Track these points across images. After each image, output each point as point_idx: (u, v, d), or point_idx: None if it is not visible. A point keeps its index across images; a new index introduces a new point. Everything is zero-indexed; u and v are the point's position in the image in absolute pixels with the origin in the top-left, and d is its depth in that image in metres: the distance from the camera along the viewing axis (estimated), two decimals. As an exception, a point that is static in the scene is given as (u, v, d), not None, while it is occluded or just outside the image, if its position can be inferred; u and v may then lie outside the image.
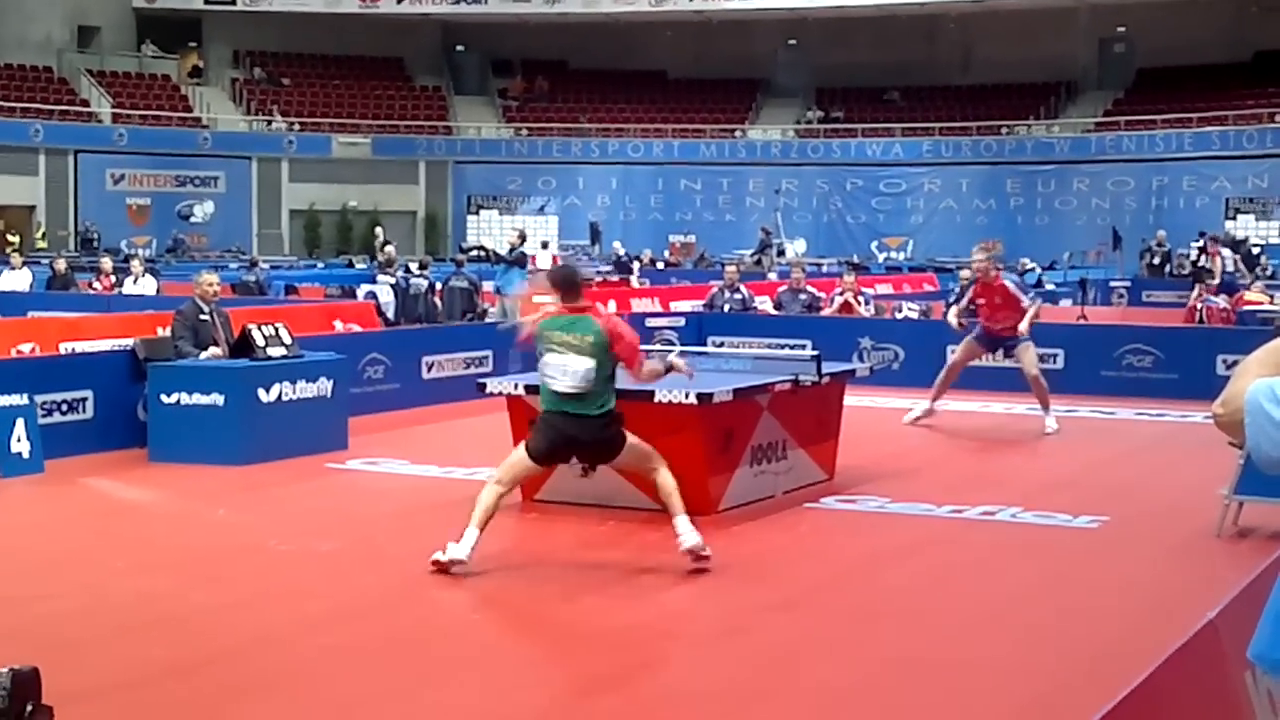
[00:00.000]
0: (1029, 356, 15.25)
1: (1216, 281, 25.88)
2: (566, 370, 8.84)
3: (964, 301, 15.81)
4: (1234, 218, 43.95)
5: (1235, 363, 12.96)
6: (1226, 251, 31.73)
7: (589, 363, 8.82)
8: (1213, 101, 44.67)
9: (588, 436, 8.99)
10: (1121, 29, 48.54)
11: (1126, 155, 46.13)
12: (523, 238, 26.61)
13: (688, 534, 8.92)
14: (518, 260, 25.55)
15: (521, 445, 9.20)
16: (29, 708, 3.19)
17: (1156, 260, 35.72)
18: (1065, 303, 29.28)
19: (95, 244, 42.41)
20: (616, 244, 38.28)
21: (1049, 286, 32.14)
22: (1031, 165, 47.58)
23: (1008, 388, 18.08)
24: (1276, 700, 4.74)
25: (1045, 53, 48.09)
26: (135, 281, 25.48)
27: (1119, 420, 16.12)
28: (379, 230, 41.61)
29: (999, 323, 15.28)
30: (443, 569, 8.65)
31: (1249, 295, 24.05)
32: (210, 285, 14.35)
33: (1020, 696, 6.82)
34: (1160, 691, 4.00)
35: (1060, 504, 11.14)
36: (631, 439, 9.10)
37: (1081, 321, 22.48)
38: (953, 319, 15.77)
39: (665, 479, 9.08)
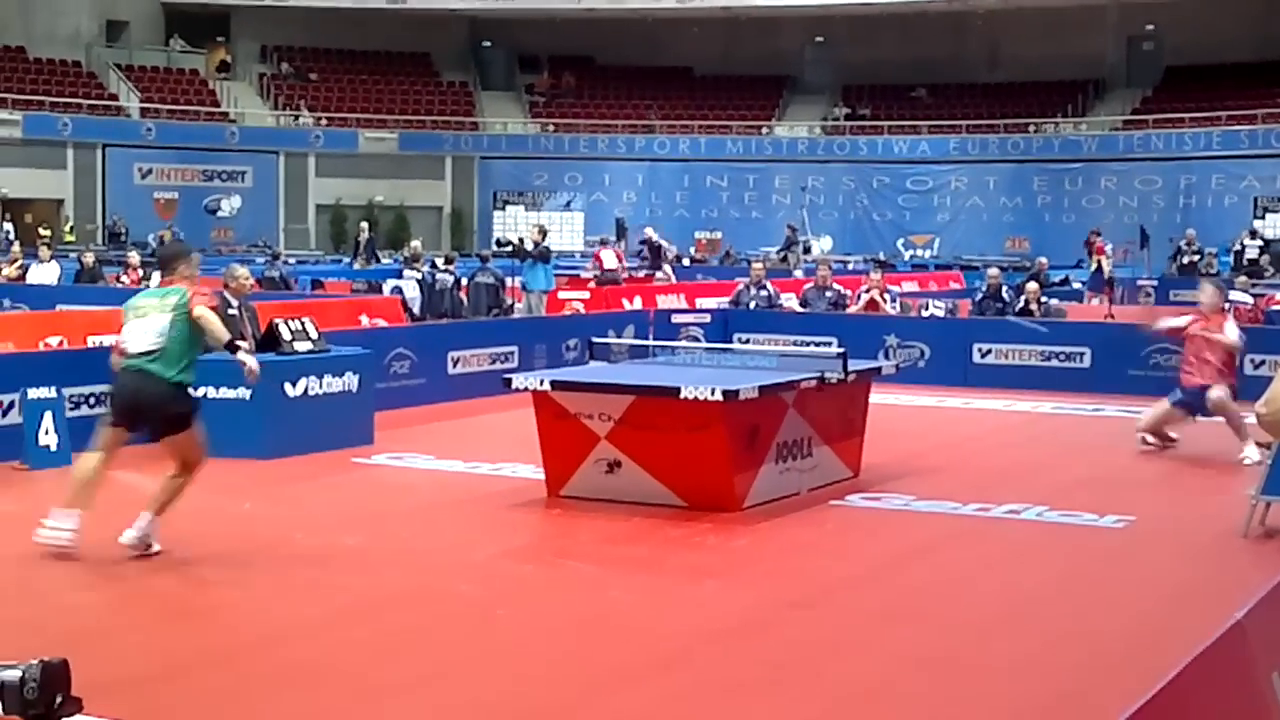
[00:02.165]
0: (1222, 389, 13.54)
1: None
2: (146, 331, 9.09)
3: (1169, 325, 14.35)
4: (1263, 217, 43.75)
5: (1263, 363, 12.91)
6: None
7: (165, 319, 9.08)
8: (1242, 100, 44.47)
9: (154, 398, 9.12)
10: (1150, 27, 48.36)
11: (1154, 154, 45.97)
12: (543, 232, 26.59)
13: (139, 531, 9.05)
14: (542, 255, 25.54)
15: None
16: (59, 699, 3.19)
17: (1187, 260, 35.62)
18: (1093, 301, 29.22)
19: (123, 238, 42.57)
20: (649, 230, 38.14)
21: (1075, 285, 32.12)
22: (1059, 163, 47.45)
23: (1035, 385, 18.09)
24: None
25: (1073, 50, 47.93)
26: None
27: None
28: (364, 225, 41.57)
29: (1203, 371, 13.73)
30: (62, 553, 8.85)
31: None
32: (245, 280, 14.43)
33: (1044, 696, 6.81)
34: (1186, 692, 4.00)
35: (1086, 503, 11.11)
36: (196, 432, 9.34)
37: (1109, 320, 22.40)
38: (1156, 324, 14.68)
39: (174, 485, 9.28)
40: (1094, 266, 33.40)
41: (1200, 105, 45.18)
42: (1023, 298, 21.24)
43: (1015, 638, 7.82)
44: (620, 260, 33.40)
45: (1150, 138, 46.20)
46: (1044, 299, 21.42)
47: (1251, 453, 12.74)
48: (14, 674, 3.18)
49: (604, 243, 34.81)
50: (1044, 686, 6.93)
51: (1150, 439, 14.00)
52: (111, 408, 9.47)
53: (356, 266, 34.62)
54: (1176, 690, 3.93)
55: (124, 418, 9.31)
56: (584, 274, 32.84)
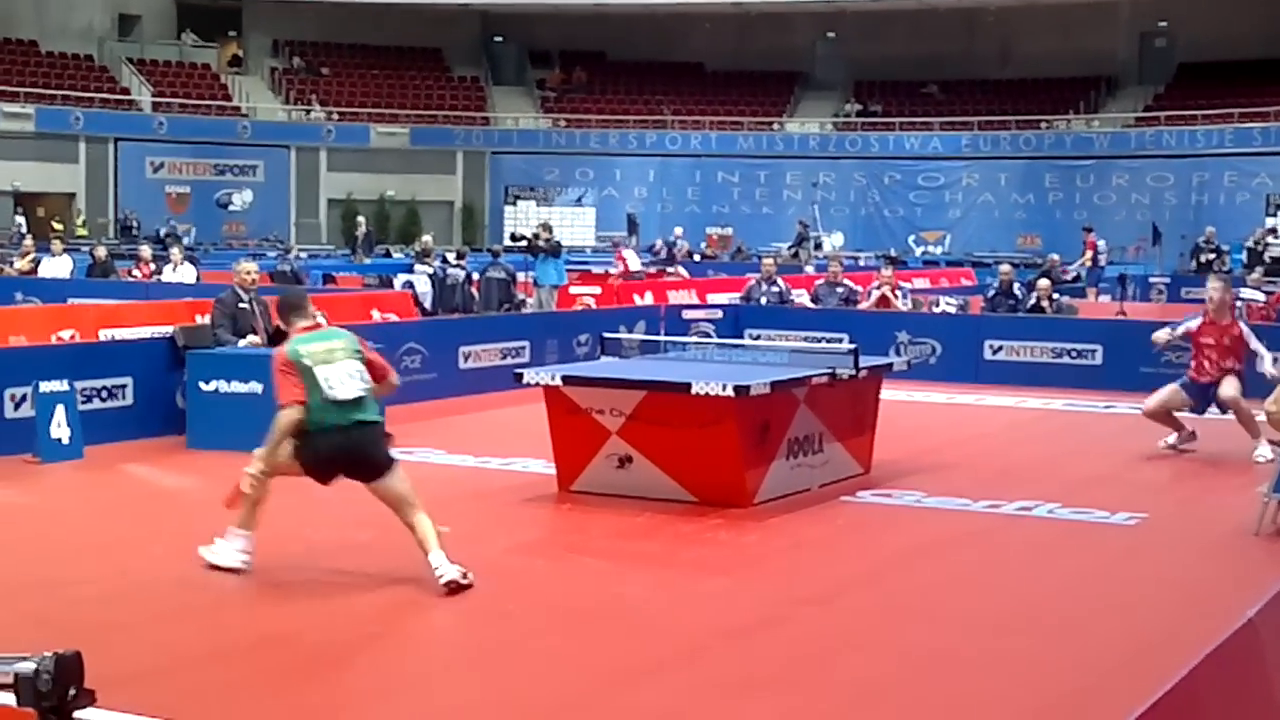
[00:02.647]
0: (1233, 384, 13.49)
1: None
2: (349, 375, 8.48)
3: (1180, 332, 14.00)
4: (1275, 214, 43.63)
5: (1275, 360, 12.79)
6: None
7: (356, 363, 8.56)
8: (1254, 97, 44.34)
9: (375, 446, 8.65)
10: (1163, 23, 48.25)
11: (1167, 151, 45.89)
12: (548, 229, 26.57)
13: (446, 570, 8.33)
14: (553, 250, 25.53)
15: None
16: (72, 691, 3.20)
17: (1205, 258, 35.54)
18: (1104, 298, 29.19)
19: (135, 231, 42.63)
20: (679, 230, 38.31)
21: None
22: (1071, 160, 47.38)
23: (1047, 382, 18.07)
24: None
25: (1085, 46, 47.86)
26: (175, 269, 25.62)
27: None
28: (361, 219, 41.77)
29: (1216, 372, 13.57)
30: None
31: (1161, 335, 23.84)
32: (249, 274, 14.42)
33: (1056, 693, 6.80)
34: (1198, 689, 3.99)
35: (1098, 500, 11.10)
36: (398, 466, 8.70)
37: (1120, 317, 22.39)
38: (1162, 336, 14.27)
39: (422, 522, 8.52)
40: (1087, 262, 33.48)
41: (1213, 102, 45.07)
42: (1034, 295, 21.21)
43: (1027, 635, 7.81)
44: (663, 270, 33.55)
45: (1162, 135, 46.12)
46: (1055, 296, 21.38)
47: (1264, 450, 12.66)
48: (28, 666, 3.19)
49: (624, 243, 34.91)
50: (1057, 683, 6.92)
51: (1168, 440, 13.88)
52: (326, 462, 8.60)
53: (354, 261, 34.68)
54: (1189, 687, 3.92)
55: (340, 469, 8.67)
56: (611, 271, 32.90)
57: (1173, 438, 13.84)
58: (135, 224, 43.78)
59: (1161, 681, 3.86)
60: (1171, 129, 45.97)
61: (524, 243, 26.72)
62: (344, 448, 8.53)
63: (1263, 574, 8.18)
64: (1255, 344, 13.56)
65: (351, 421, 8.46)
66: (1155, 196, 45.76)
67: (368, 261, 33.85)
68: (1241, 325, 13.89)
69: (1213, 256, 35.85)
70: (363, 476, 8.61)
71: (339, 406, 8.42)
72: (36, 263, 27.33)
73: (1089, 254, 33.79)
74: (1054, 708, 6.61)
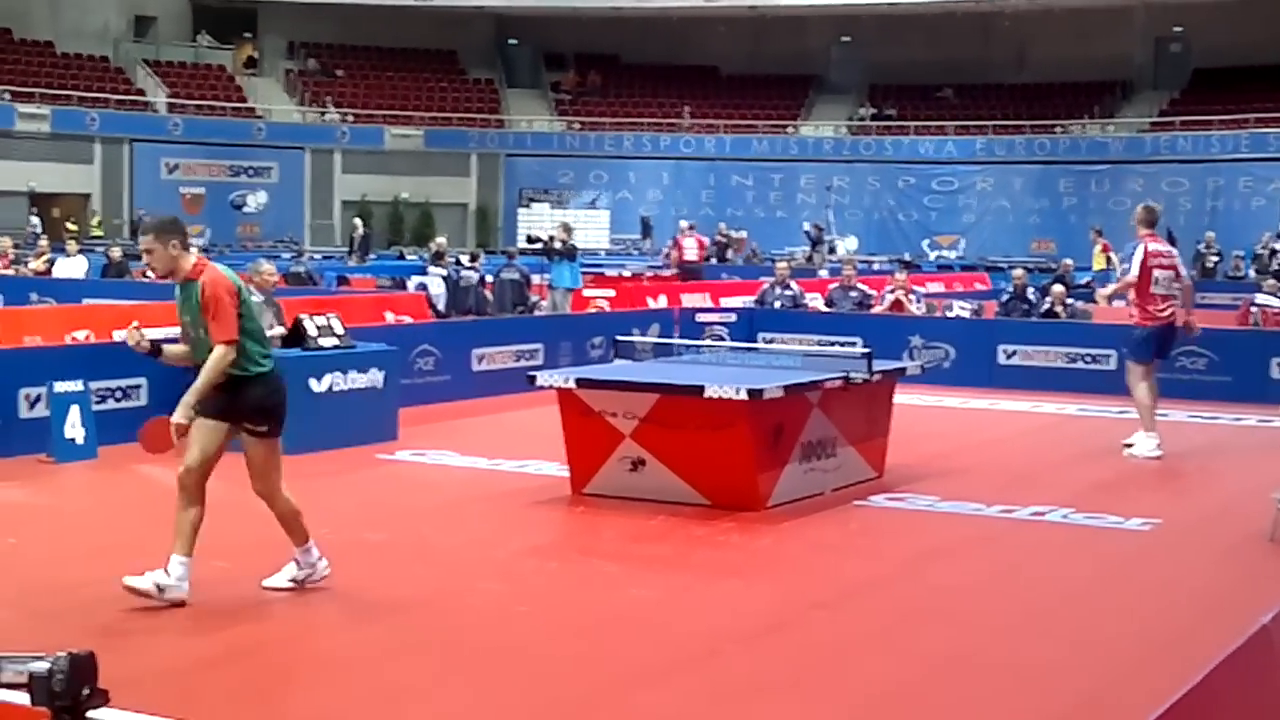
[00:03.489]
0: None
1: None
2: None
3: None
4: (1290, 219, 43.60)
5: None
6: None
7: None
8: (1270, 102, 44.26)
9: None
10: (1178, 28, 48.19)
11: (1182, 156, 45.84)
12: (568, 230, 26.59)
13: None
14: (568, 253, 25.53)
15: None
16: (86, 691, 3.21)
17: (1210, 263, 35.48)
18: (1118, 304, 29.11)
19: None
20: (683, 223, 38.26)
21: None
22: (1085, 165, 47.35)
23: (1061, 387, 18.05)
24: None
25: (1101, 52, 47.81)
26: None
27: (1172, 422, 15.97)
28: (357, 221, 41.84)
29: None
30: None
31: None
32: (269, 275, 14.47)
33: (1069, 698, 6.79)
34: (1213, 696, 3.98)
35: (1112, 505, 11.08)
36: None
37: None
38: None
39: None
40: (1099, 265, 33.31)
41: (1228, 107, 45.03)
42: (1048, 300, 21.18)
43: (1040, 640, 7.80)
44: (702, 249, 33.41)
45: (1177, 140, 46.07)
46: (1069, 301, 21.35)
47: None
48: (42, 666, 3.20)
49: (690, 228, 34.76)
50: (1069, 688, 6.91)
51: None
52: (284, 406, 8.36)
53: (351, 263, 34.68)
54: (1203, 694, 3.91)
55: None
56: (663, 263, 32.88)
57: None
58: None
59: (1176, 686, 3.85)
60: (1186, 134, 45.91)
61: (539, 245, 26.74)
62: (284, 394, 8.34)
63: (1276, 579, 8.15)
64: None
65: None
66: (1170, 202, 45.56)
67: (367, 263, 33.79)
68: None
69: (1216, 260, 35.72)
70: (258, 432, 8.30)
71: (267, 348, 8.23)
72: (51, 263, 27.40)
73: (1103, 255, 33.62)
74: (1068, 712, 6.59)
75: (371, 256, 38.89)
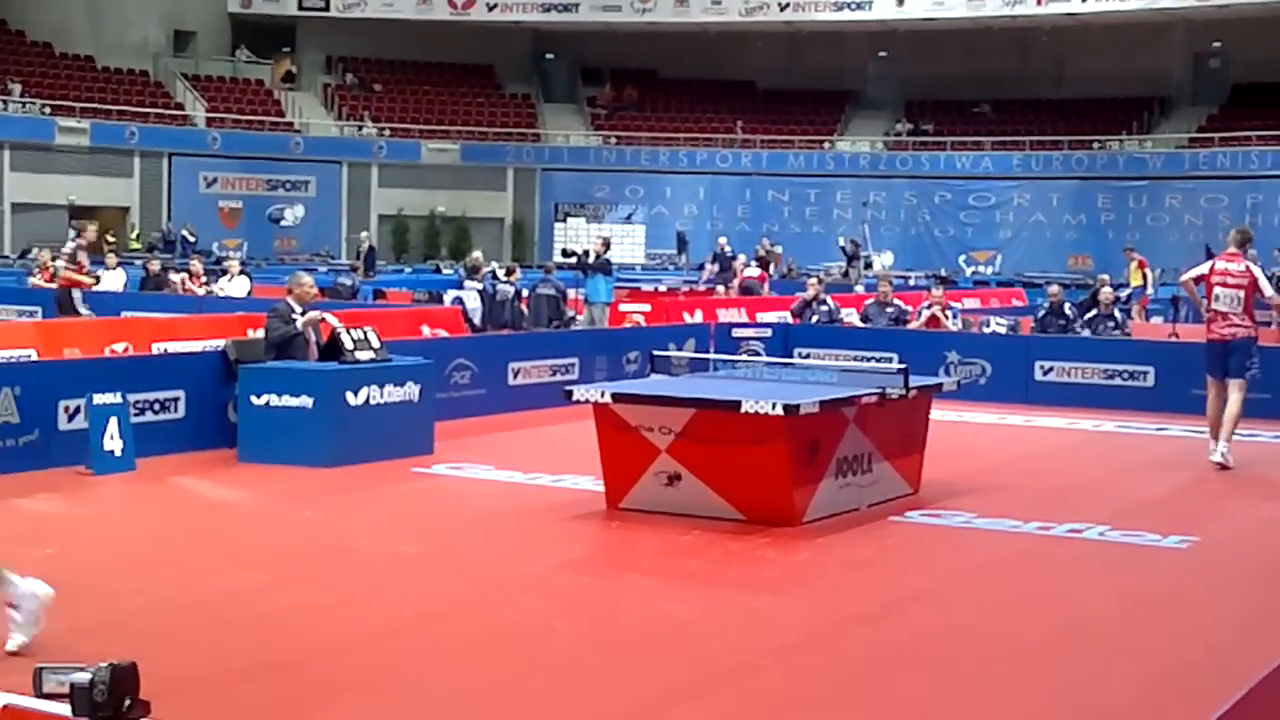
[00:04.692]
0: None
1: None
2: None
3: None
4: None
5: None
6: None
7: None
8: (1309, 118, 44.10)
9: None
10: (1217, 44, 47.99)
11: (1221, 172, 45.62)
12: (607, 244, 26.59)
13: None
14: (602, 267, 25.55)
15: None
16: (127, 702, 3.24)
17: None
18: (1157, 320, 29.01)
19: (194, 244, 42.56)
20: (722, 240, 38.26)
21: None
22: (1124, 181, 47.15)
23: (1098, 404, 17.98)
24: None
25: (1139, 67, 47.65)
26: (230, 280, 25.82)
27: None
28: (364, 235, 41.98)
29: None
30: None
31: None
32: (310, 288, 14.58)
33: (1106, 714, 6.76)
34: (1251, 712, 3.97)
35: (1149, 523, 11.03)
36: None
37: (1173, 339, 22.25)
38: None
39: None
40: (1136, 281, 33.20)
41: (1267, 123, 44.77)
42: (1096, 308, 21.22)
43: (1076, 658, 7.77)
44: (765, 276, 33.66)
45: (1216, 156, 45.85)
46: (1120, 309, 21.37)
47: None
48: (84, 677, 3.23)
49: (746, 257, 35.11)
50: (1105, 707, 6.88)
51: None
52: None
53: (358, 278, 34.67)
54: (1242, 712, 3.90)
55: None
56: (706, 280, 32.99)
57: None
58: (195, 238, 43.58)
59: (1213, 707, 3.85)
60: (1225, 150, 45.70)
61: (574, 259, 26.77)
62: None
63: (1316, 599, 8.12)
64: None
65: None
66: (1208, 218, 45.44)
67: (373, 278, 33.73)
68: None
69: None
70: None
71: None
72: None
73: (1139, 271, 33.47)
74: (1103, 731, 6.58)
75: (376, 271, 38.79)
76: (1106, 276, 31.26)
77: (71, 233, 25.39)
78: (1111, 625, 8.47)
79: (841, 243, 43.81)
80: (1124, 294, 31.91)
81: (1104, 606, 8.91)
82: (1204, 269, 14.22)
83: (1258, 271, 13.98)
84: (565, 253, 28.86)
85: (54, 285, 26.25)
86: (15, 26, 47.57)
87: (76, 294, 22.04)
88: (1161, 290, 34.48)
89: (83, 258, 22.76)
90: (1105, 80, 47.95)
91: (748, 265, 34.37)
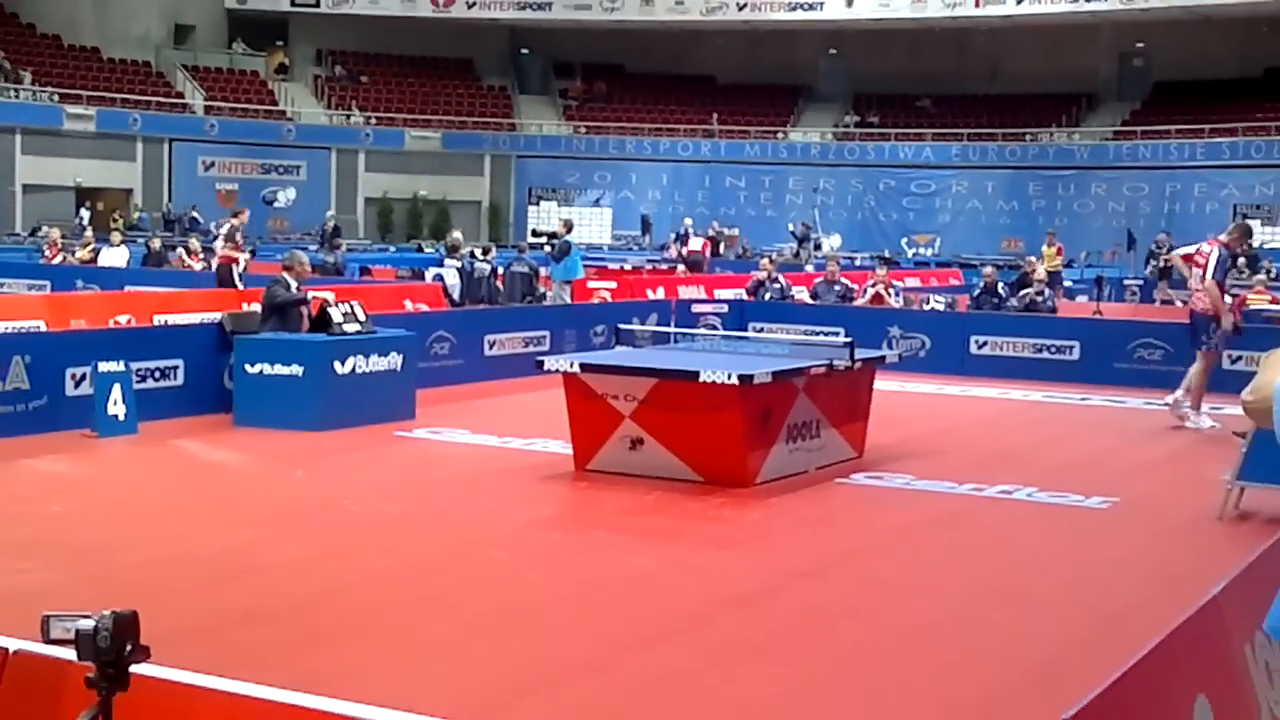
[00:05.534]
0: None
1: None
2: None
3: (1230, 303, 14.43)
4: (1242, 223, 43.54)
5: (1239, 358, 12.76)
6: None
7: None
8: (1224, 114, 44.22)
9: None
10: (1140, 44, 48.11)
11: (1142, 163, 45.76)
12: (569, 226, 26.31)
13: None
14: (556, 256, 25.05)
15: None
16: (129, 647, 3.22)
17: (1163, 264, 35.20)
18: (1081, 299, 29.12)
19: (199, 222, 41.96)
20: (688, 221, 38.11)
21: (1067, 283, 31.97)
22: (1053, 170, 47.25)
23: (1028, 375, 18.06)
24: (1274, 671, 4.73)
25: (1068, 65, 47.71)
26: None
27: (1130, 409, 16.03)
28: (329, 215, 41.14)
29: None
30: None
31: (1251, 296, 23.78)
32: (306, 266, 14.59)
33: (1032, 662, 6.81)
34: (1166, 661, 3.99)
35: (1073, 485, 11.09)
36: None
37: (1097, 316, 22.36)
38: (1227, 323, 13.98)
39: None
40: (1052, 264, 33.04)
41: (1186, 118, 44.91)
42: (1027, 291, 21.31)
43: (1006, 609, 7.82)
44: (706, 245, 33.68)
45: (1138, 148, 45.98)
46: (1045, 291, 21.43)
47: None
48: (88, 624, 3.21)
49: (690, 226, 35.10)
50: (1032, 655, 6.92)
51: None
52: None
53: (322, 255, 34.28)
54: (1157, 658, 3.92)
55: None
56: (664, 257, 32.96)
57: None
58: (200, 218, 42.89)
59: (1132, 652, 3.86)
60: (1147, 143, 45.83)
61: (543, 239, 26.50)
62: None
63: (1226, 556, 8.15)
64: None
65: None
66: (1130, 205, 45.62)
67: (331, 259, 33.33)
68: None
69: (1167, 260, 35.22)
70: None
71: None
72: (96, 252, 27.36)
73: (1053, 253, 32.92)
74: (1030, 677, 6.61)
75: (341, 248, 38.06)
76: (1034, 258, 31.32)
77: (229, 215, 25.25)
78: (1038, 580, 8.51)
79: (791, 227, 43.79)
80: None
81: (1032, 562, 8.96)
82: (1192, 249, 14.38)
83: (1214, 257, 13.82)
84: (535, 233, 28.61)
85: (61, 260, 26.06)
86: (26, 20, 47.14)
87: (236, 269, 21.98)
88: (1086, 271, 34.58)
89: (239, 237, 22.67)
90: (1037, 77, 48.00)
91: (688, 238, 34.49)
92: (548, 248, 25.45)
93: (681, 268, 32.02)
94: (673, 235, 37.17)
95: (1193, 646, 4.32)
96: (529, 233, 45.28)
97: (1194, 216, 44.19)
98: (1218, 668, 4.53)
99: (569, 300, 23.61)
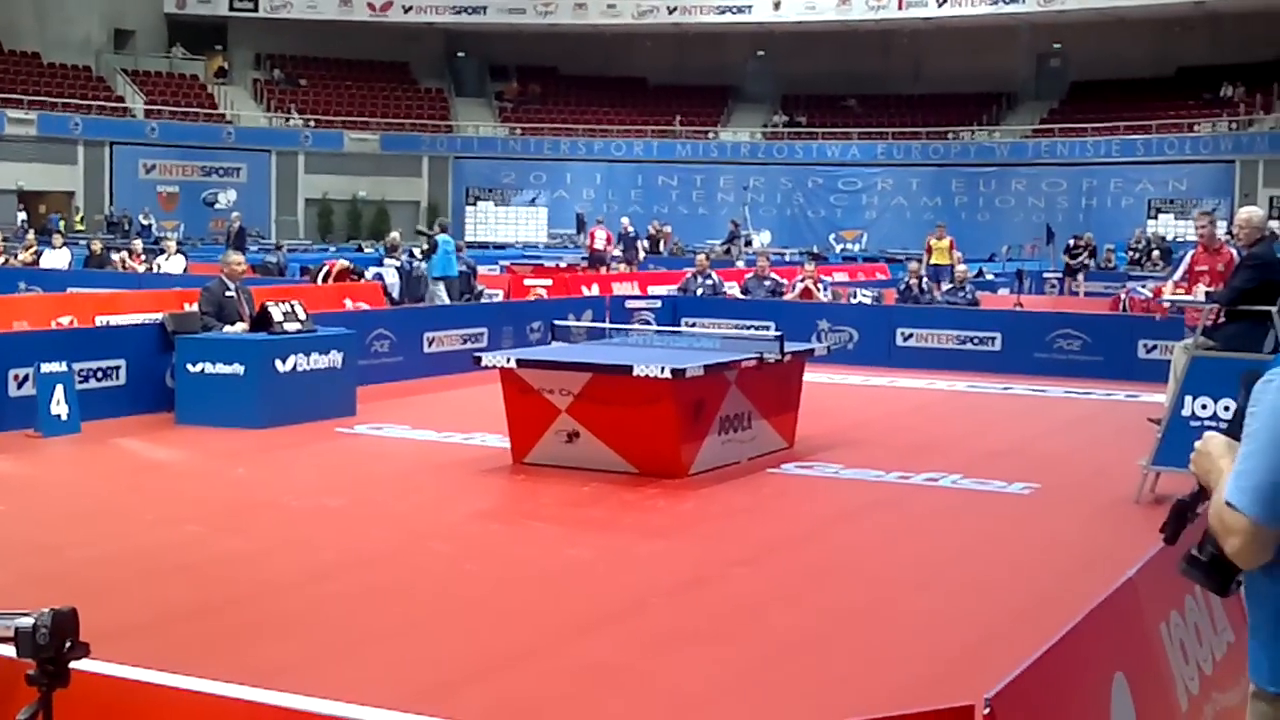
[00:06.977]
0: None
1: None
2: None
3: (1180, 272, 12.70)
4: (1155, 217, 44.06)
5: (1154, 347, 12.74)
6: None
7: None
8: (1138, 112, 44.73)
9: None
10: (1057, 45, 48.55)
11: (1060, 159, 46.16)
12: (443, 227, 25.76)
13: None
14: (430, 250, 24.54)
15: None
16: (68, 644, 3.18)
17: (1083, 258, 35.40)
18: (1003, 291, 29.38)
19: (130, 228, 41.72)
20: (625, 220, 37.96)
21: (989, 276, 32.24)
22: (974, 167, 47.58)
23: (952, 366, 18.17)
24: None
25: (988, 66, 48.06)
26: (168, 258, 25.43)
27: (1050, 398, 16.17)
28: (235, 215, 40.47)
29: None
30: None
31: (1166, 289, 23.99)
32: (238, 265, 14.37)
33: (959, 643, 6.85)
34: (1084, 641, 4.02)
35: (997, 472, 11.17)
36: None
37: (1017, 308, 22.55)
38: (1169, 291, 12.69)
39: None
40: (942, 259, 32.90)
41: (1101, 116, 45.36)
42: (952, 284, 21.45)
43: (932, 592, 7.86)
44: (609, 243, 33.60)
45: (1056, 145, 46.39)
46: (968, 285, 21.58)
47: None
48: (27, 621, 3.16)
49: (599, 222, 34.94)
50: (958, 636, 6.96)
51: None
52: None
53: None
54: (1076, 639, 3.95)
55: None
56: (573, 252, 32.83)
57: None
58: (145, 221, 42.44)
59: (1051, 632, 3.89)
60: (1064, 140, 46.24)
61: (423, 238, 25.56)
62: None
63: (1142, 538, 8.20)
64: None
65: None
66: (1049, 200, 46.03)
67: (274, 259, 32.99)
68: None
69: (1083, 253, 34.81)
70: None
71: None
72: (38, 255, 27.05)
73: (948, 251, 31.72)
74: (958, 657, 6.65)
75: (245, 250, 37.43)
76: (959, 254, 31.53)
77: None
78: (964, 564, 8.56)
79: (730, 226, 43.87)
80: (975, 270, 32.18)
81: (958, 546, 9.02)
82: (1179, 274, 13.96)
83: (1186, 260, 12.96)
84: (418, 231, 27.99)
85: (2, 263, 25.71)
86: (-34, 26, 46.53)
87: None
88: (1008, 265, 34.85)
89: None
90: (958, 77, 48.31)
91: (594, 227, 34.66)
92: (424, 246, 24.93)
93: (624, 267, 32.05)
94: (615, 235, 37.18)
95: (1110, 626, 4.35)
96: (414, 231, 44.89)
97: (1110, 211, 44.70)
98: (1135, 646, 4.57)
99: (445, 300, 23.19)
